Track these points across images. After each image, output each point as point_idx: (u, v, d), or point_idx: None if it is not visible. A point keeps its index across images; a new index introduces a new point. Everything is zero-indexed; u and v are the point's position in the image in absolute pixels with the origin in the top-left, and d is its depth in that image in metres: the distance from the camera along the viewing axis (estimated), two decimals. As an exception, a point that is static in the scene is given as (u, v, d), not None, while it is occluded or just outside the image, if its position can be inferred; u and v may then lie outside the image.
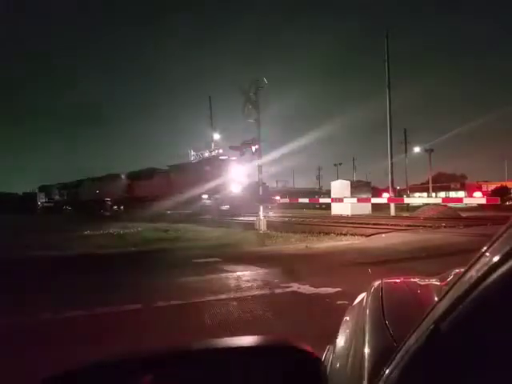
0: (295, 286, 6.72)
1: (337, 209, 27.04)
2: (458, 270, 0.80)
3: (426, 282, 1.30)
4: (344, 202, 25.85)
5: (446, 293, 0.69)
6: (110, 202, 44.03)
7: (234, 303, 5.95)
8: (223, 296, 6.26)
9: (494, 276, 0.68)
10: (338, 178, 39.34)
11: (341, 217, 22.96)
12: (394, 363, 0.64)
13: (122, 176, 43.14)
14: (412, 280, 1.40)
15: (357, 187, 31.52)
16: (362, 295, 1.27)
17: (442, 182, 53.60)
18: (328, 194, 36.73)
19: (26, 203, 64.19)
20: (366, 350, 0.81)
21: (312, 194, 58.03)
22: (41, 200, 66.49)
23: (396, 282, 1.43)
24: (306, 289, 6.57)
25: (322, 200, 34.97)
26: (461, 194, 47.33)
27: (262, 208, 16.22)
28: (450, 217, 19.29)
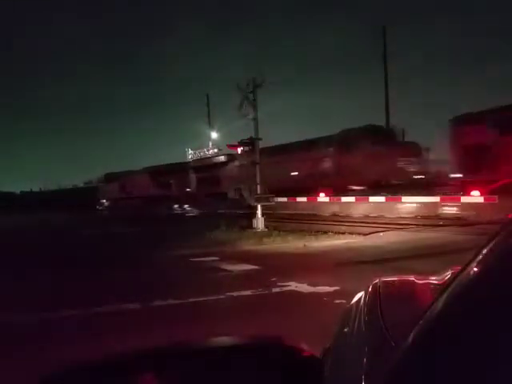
0: (293, 285, 6.72)
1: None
2: (454, 270, 0.80)
3: (424, 280, 1.30)
4: (342, 200, 25.60)
5: (444, 291, 0.69)
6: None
7: (232, 302, 5.95)
8: (221, 296, 6.25)
9: (492, 274, 0.68)
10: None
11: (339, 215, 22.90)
12: (391, 363, 0.64)
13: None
14: (410, 279, 1.40)
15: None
16: (360, 294, 1.27)
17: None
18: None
19: (79, 202, 41.73)
20: (364, 350, 0.81)
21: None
22: (107, 194, 42.79)
23: (394, 281, 1.44)
24: (303, 287, 6.57)
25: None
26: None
27: (259, 207, 16.21)
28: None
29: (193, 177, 33.39)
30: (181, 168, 34.51)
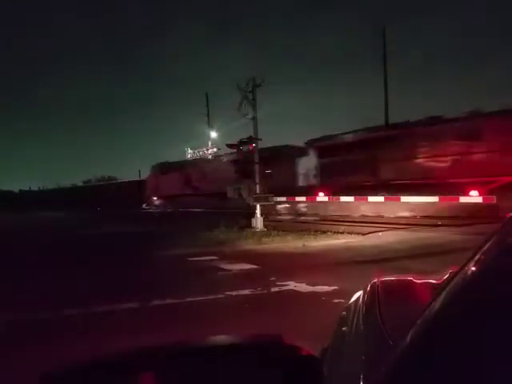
0: (292, 285, 6.72)
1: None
2: (453, 269, 0.81)
3: (422, 280, 1.31)
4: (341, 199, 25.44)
5: (442, 291, 0.70)
6: None
7: (231, 301, 5.95)
8: (220, 295, 6.25)
9: (489, 274, 0.68)
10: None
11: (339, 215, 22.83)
12: (390, 362, 0.64)
13: None
14: (408, 278, 1.41)
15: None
16: (358, 294, 1.28)
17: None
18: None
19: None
20: (363, 349, 0.82)
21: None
22: (159, 190, 32.57)
23: (392, 281, 1.44)
24: (302, 287, 6.58)
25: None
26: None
27: (258, 206, 16.21)
28: (448, 215, 19.26)
29: (311, 164, 22.81)
30: (286, 154, 23.96)
